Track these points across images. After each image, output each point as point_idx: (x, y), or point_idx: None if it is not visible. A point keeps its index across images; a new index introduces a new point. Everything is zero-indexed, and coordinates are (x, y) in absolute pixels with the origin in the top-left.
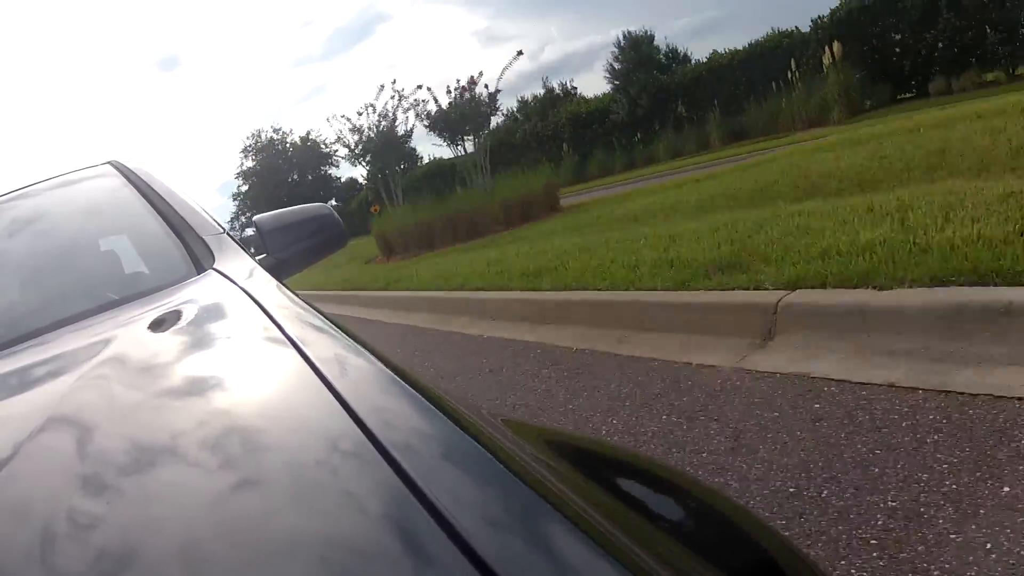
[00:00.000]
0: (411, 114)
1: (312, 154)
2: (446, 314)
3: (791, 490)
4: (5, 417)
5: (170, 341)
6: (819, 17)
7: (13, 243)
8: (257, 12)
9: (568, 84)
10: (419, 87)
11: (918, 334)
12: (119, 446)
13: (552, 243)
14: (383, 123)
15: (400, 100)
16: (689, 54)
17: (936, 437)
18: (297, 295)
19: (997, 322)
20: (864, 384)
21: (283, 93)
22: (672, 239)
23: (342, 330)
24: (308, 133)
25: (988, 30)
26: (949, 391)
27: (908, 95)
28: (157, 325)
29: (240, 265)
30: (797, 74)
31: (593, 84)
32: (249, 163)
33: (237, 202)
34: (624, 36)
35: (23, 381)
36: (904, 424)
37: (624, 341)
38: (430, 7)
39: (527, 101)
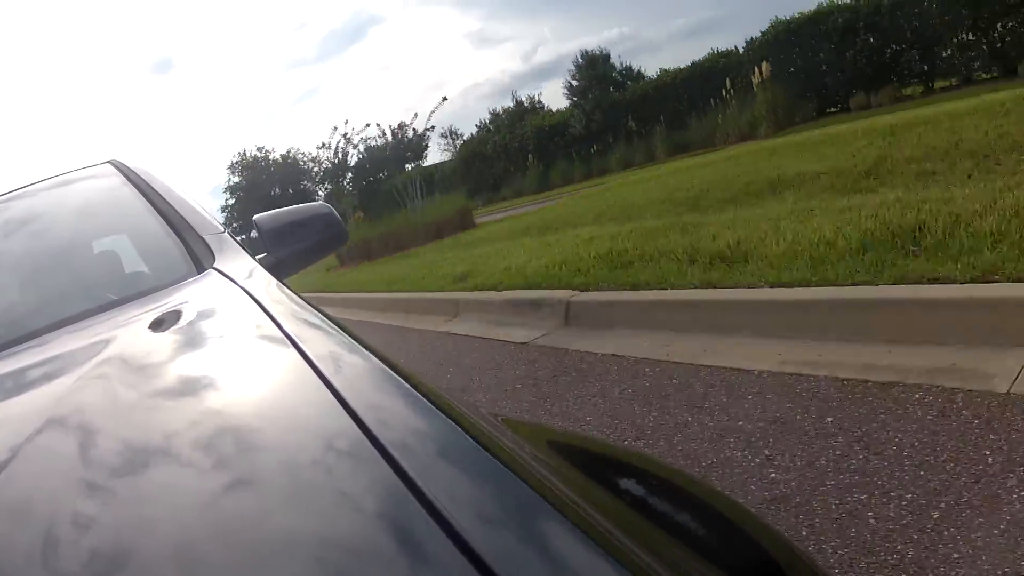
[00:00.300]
0: (359, 148)
1: (292, 170)
2: (341, 308)
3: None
4: (5, 417)
5: (170, 341)
6: (752, 39)
7: (14, 243)
8: (251, 15)
9: (536, 97)
10: (367, 126)
11: (499, 312)
12: (120, 446)
13: (433, 257)
14: (336, 158)
15: (348, 139)
16: (643, 71)
17: (474, 355)
18: (297, 294)
19: (539, 309)
20: (465, 336)
21: (277, 95)
22: (497, 254)
23: (342, 329)
24: (288, 151)
25: (904, 48)
26: (490, 338)
27: (834, 109)
28: (157, 325)
29: (240, 264)
30: (732, 92)
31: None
32: (235, 178)
33: (225, 213)
34: (582, 55)
35: (24, 381)
36: (472, 351)
37: (407, 317)
38: (423, 9)
39: (498, 113)
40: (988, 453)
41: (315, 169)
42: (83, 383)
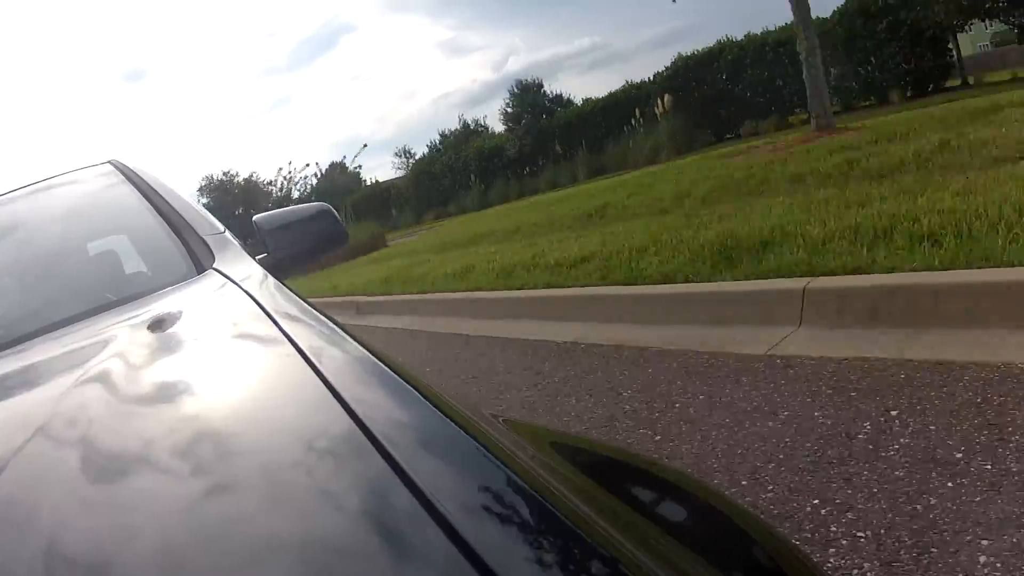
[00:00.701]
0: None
1: (253, 192)
2: None
3: None
4: (5, 417)
5: (170, 341)
6: (658, 72)
7: (14, 243)
8: (222, 23)
9: (482, 120)
10: (307, 165)
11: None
12: (120, 446)
13: (332, 273)
14: (281, 192)
15: (290, 178)
16: (572, 98)
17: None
18: (298, 295)
19: (347, 307)
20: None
21: (249, 104)
22: (360, 273)
23: (343, 330)
24: (251, 175)
25: (786, 82)
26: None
27: (730, 136)
28: (157, 325)
29: (240, 265)
30: (641, 121)
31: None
32: (204, 200)
33: None
34: (517, 84)
35: (23, 381)
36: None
37: None
38: (395, 18)
39: (446, 135)
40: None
41: (273, 192)
42: (83, 383)
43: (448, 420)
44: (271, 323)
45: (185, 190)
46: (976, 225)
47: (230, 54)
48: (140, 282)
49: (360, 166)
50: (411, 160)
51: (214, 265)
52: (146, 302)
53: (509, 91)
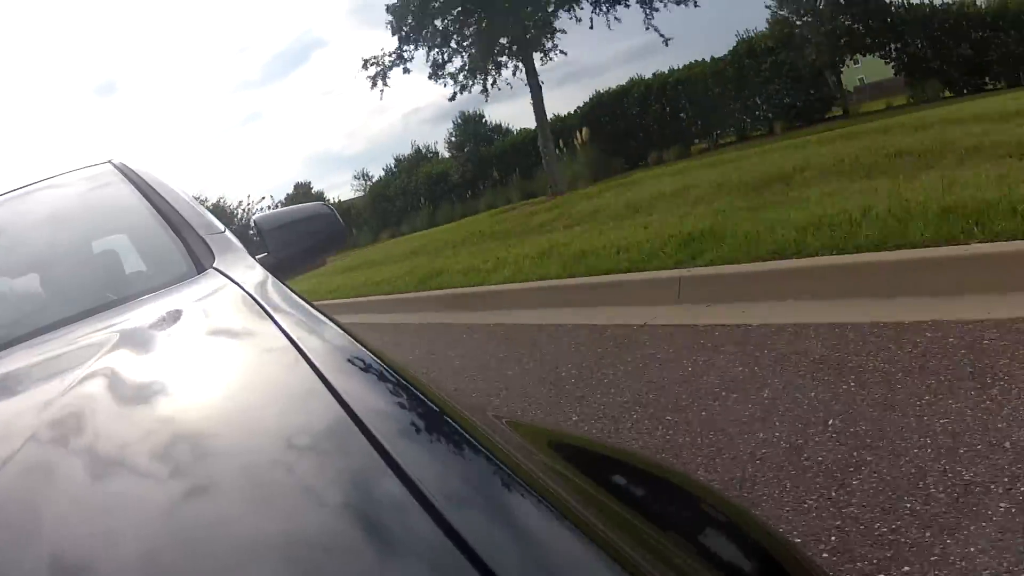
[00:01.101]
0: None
1: (222, 215)
2: None
3: None
4: (4, 417)
5: (170, 340)
6: (578, 107)
7: (13, 243)
8: (195, 38)
9: (433, 145)
10: (263, 198)
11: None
12: (121, 444)
13: None
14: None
15: (247, 211)
16: (511, 127)
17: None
18: (298, 295)
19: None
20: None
21: (221, 118)
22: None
23: (343, 329)
24: (219, 199)
25: (688, 115)
26: None
27: (643, 163)
28: (157, 324)
29: (240, 264)
30: (564, 150)
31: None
32: None
33: None
34: (460, 115)
35: (23, 381)
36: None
37: None
38: (366, 33)
39: (401, 159)
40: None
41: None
42: (83, 383)
43: (450, 420)
44: (271, 323)
45: (186, 190)
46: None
47: (203, 68)
48: (140, 282)
49: (322, 191)
50: (368, 182)
51: (214, 265)
52: (146, 302)
53: (453, 122)
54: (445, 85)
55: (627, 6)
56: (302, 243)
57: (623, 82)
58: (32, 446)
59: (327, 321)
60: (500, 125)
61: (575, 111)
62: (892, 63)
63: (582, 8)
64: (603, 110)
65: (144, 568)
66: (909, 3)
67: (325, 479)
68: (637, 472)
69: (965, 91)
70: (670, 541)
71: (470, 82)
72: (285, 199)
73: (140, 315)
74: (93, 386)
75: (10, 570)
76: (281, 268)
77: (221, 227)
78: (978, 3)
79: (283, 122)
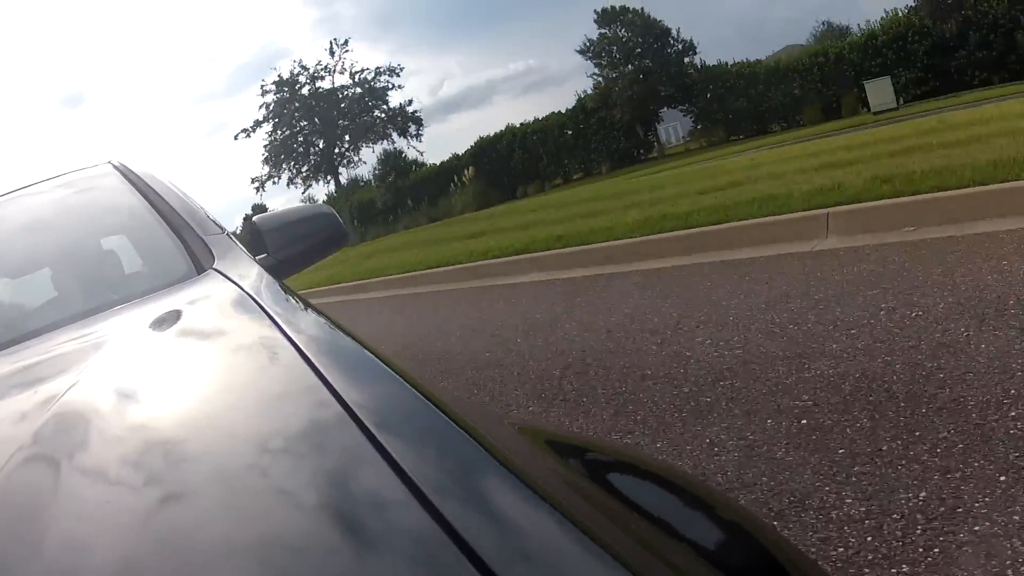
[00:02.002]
0: None
1: None
2: None
3: None
4: (4, 417)
5: (170, 341)
6: (467, 150)
7: (13, 243)
8: (158, 50)
9: (363, 176)
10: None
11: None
12: (119, 445)
13: None
14: None
15: None
16: (426, 162)
17: None
18: (298, 295)
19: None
20: None
21: (186, 130)
22: None
23: (343, 330)
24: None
25: (544, 158)
26: None
27: (513, 196)
28: (157, 325)
29: (240, 265)
30: (459, 183)
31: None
32: None
33: None
34: (383, 152)
35: (23, 381)
36: None
37: None
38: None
39: (341, 186)
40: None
41: None
42: (83, 383)
43: (448, 419)
44: (271, 323)
45: (187, 190)
46: None
47: (170, 79)
48: (140, 282)
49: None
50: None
51: (214, 265)
52: (146, 302)
53: (378, 158)
54: (298, 187)
55: (392, 141)
56: (302, 244)
57: (519, 122)
58: (31, 446)
59: (327, 322)
60: (416, 160)
61: (464, 152)
62: (689, 116)
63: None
64: (484, 153)
65: (147, 561)
66: (702, 65)
67: (325, 479)
68: (635, 470)
69: (742, 136)
70: (669, 540)
71: (310, 183)
72: (253, 207)
73: (140, 316)
74: (93, 386)
75: (10, 562)
76: (281, 269)
77: (221, 228)
78: (759, 63)
79: (248, 133)
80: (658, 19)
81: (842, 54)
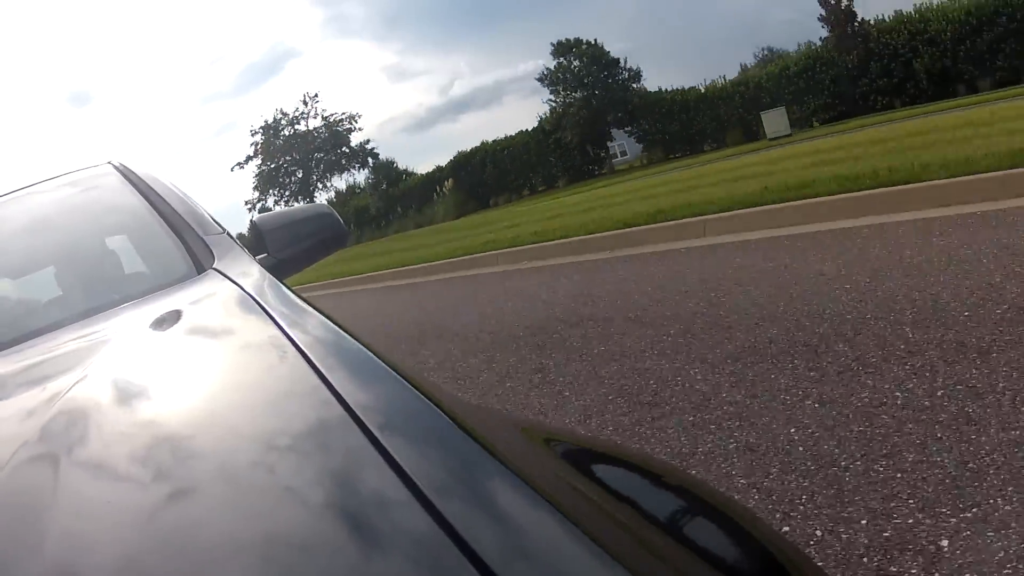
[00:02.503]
0: None
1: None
2: None
3: None
4: (4, 417)
5: (170, 341)
6: (447, 162)
7: (13, 243)
8: (166, 49)
9: (359, 184)
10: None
11: None
12: (120, 444)
13: None
14: None
15: None
16: (415, 171)
17: None
18: (298, 295)
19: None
20: None
21: (193, 129)
22: None
23: (343, 330)
24: None
25: (513, 173)
26: None
27: (486, 206)
28: (157, 325)
29: (240, 265)
30: (440, 192)
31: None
32: None
33: None
34: (376, 161)
35: (24, 381)
36: None
37: None
38: (340, 43)
39: (340, 192)
40: None
41: None
42: (83, 383)
43: (448, 418)
44: (271, 323)
45: (187, 191)
46: None
47: (178, 79)
48: (140, 282)
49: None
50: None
51: (214, 265)
52: (146, 302)
53: (370, 168)
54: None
55: (352, 173)
56: (302, 244)
57: (476, 145)
58: (32, 445)
59: (328, 322)
60: (407, 169)
61: (446, 164)
62: (633, 137)
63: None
64: (461, 167)
65: (149, 559)
66: (644, 91)
67: (326, 479)
68: (635, 470)
69: (678, 155)
70: (669, 540)
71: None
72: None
73: (140, 315)
74: (93, 386)
75: (11, 561)
76: (281, 269)
77: (221, 228)
78: (692, 90)
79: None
80: (607, 50)
81: (760, 83)
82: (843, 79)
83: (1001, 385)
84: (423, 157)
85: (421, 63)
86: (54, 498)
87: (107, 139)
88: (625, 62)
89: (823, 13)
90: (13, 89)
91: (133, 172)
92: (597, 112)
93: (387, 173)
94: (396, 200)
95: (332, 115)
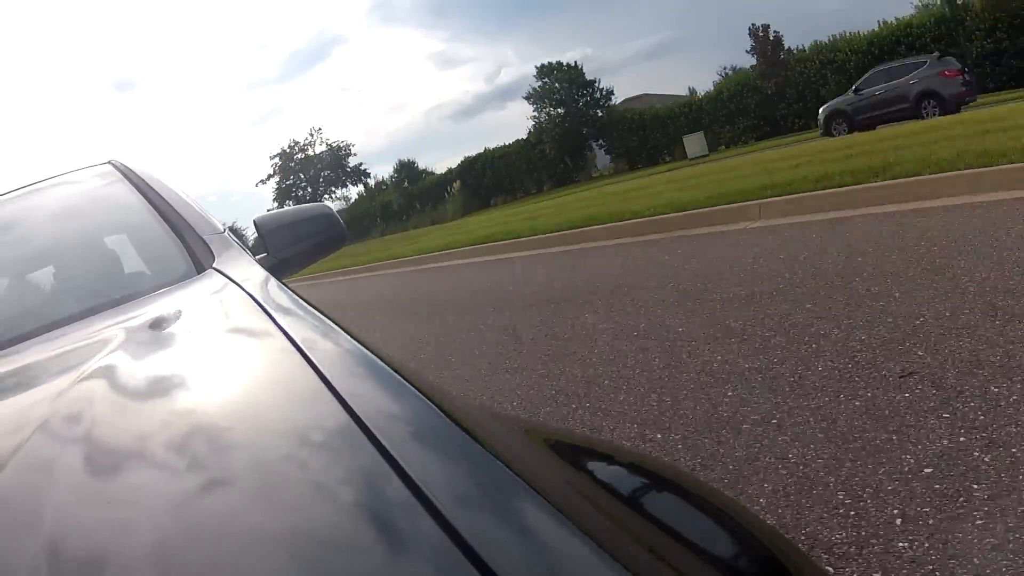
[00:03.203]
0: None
1: None
2: None
3: None
4: (5, 416)
5: (170, 340)
6: (457, 166)
7: (13, 243)
8: (211, 37)
9: (385, 181)
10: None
11: None
12: (120, 444)
13: None
14: None
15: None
16: (433, 170)
17: None
18: (298, 295)
19: None
20: None
21: (238, 116)
22: None
23: (343, 329)
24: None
25: (508, 179)
26: None
27: (486, 207)
28: (157, 325)
29: (240, 265)
30: (451, 192)
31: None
32: None
33: None
34: (398, 162)
35: (23, 381)
36: None
37: None
38: (387, 30)
39: (369, 188)
40: None
41: None
42: (83, 382)
43: (447, 418)
44: (271, 323)
45: (187, 190)
46: None
47: (222, 66)
48: (140, 282)
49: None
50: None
51: (214, 265)
52: (146, 302)
53: (394, 167)
54: None
55: (347, 189)
56: (302, 244)
57: (482, 150)
58: (32, 445)
59: (327, 322)
60: (426, 169)
61: (455, 168)
62: (603, 149)
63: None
64: (467, 170)
65: (142, 561)
66: (611, 108)
67: (325, 479)
68: (636, 470)
69: (640, 166)
70: (670, 540)
71: None
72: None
73: (140, 315)
74: (92, 386)
75: (11, 560)
76: (281, 269)
77: (221, 227)
78: (650, 108)
79: (302, 119)
80: (584, 73)
81: (700, 105)
82: (766, 103)
83: None
84: (470, 144)
85: (468, 51)
86: (53, 497)
87: (151, 124)
88: (598, 82)
89: (752, 44)
90: (60, 75)
91: (133, 171)
92: (572, 128)
93: (408, 172)
94: (415, 197)
95: (333, 142)
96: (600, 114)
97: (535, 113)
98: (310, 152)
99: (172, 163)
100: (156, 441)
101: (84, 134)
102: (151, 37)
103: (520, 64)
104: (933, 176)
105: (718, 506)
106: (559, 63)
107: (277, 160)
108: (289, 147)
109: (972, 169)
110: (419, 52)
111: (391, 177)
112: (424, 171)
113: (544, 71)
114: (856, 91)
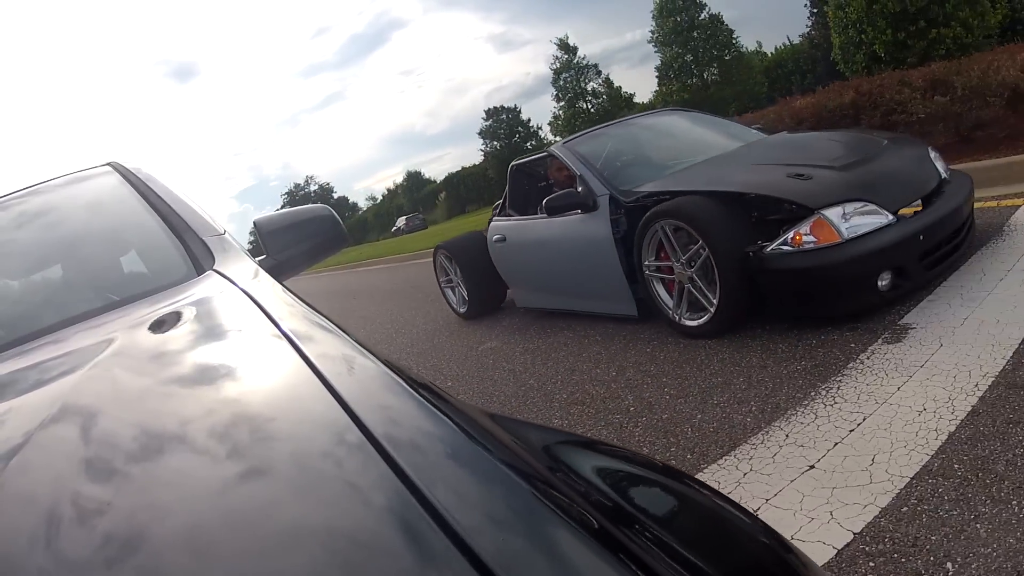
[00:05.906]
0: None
1: (326, 197)
2: None
3: None
4: (8, 415)
5: (170, 341)
6: (442, 179)
7: (14, 244)
8: (268, 23)
9: (428, 175)
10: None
11: None
12: (119, 444)
13: None
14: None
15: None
16: (434, 179)
17: None
18: (297, 296)
19: None
20: None
21: (297, 102)
22: None
23: (342, 330)
24: (327, 183)
25: (497, 187)
26: None
27: (464, 213)
28: (157, 326)
29: (240, 266)
30: (439, 200)
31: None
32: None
33: None
34: (407, 172)
35: (24, 381)
36: None
37: None
38: (445, 14)
39: (384, 193)
40: None
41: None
42: (83, 383)
43: (446, 418)
44: (271, 324)
45: (186, 192)
46: None
47: (282, 52)
48: (140, 283)
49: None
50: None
51: (214, 266)
52: (147, 303)
53: (405, 175)
54: None
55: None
56: (301, 245)
57: (467, 165)
58: (34, 445)
59: (326, 323)
60: (430, 178)
61: (441, 179)
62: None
63: None
64: (450, 183)
65: (140, 562)
66: (539, 141)
67: (325, 480)
68: (637, 472)
69: None
70: (669, 540)
71: None
72: (319, 187)
73: (140, 316)
74: (92, 387)
75: (12, 560)
76: (280, 270)
77: (221, 229)
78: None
79: (363, 103)
80: (524, 117)
81: None
82: None
83: None
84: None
85: (527, 33)
86: (53, 496)
87: (212, 112)
88: (529, 121)
89: None
90: (119, 65)
91: (133, 173)
92: (507, 158)
93: (415, 180)
94: (420, 201)
95: (325, 183)
96: (530, 146)
97: (483, 146)
98: (309, 189)
99: (236, 150)
100: (156, 441)
101: (146, 124)
102: (211, 26)
103: (579, 46)
104: None
105: (714, 505)
106: (503, 106)
107: (286, 196)
108: (295, 186)
109: None
110: (477, 35)
111: (402, 183)
112: (428, 180)
113: (490, 113)
114: None
